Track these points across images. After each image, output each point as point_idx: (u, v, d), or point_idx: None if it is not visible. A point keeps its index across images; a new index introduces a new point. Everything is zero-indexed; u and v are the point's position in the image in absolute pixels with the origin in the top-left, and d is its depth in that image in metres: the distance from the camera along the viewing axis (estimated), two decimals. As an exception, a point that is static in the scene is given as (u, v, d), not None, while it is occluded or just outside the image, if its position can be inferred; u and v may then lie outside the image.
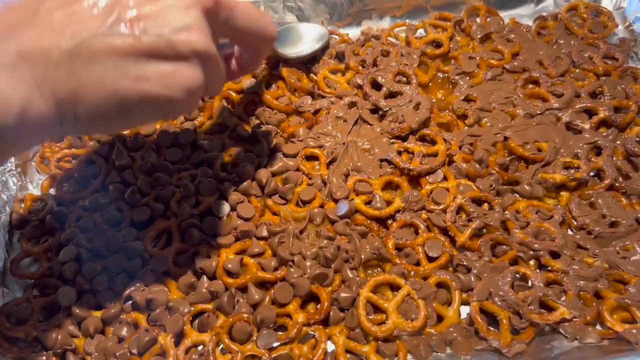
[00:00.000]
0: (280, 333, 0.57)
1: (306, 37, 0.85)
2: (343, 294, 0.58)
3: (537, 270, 0.61)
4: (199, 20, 0.47)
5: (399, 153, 0.71)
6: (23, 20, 0.42)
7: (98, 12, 0.43)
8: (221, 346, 0.57)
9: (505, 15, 0.92)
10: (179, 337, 0.58)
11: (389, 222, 0.66)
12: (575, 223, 0.66)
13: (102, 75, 0.43)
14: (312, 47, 0.84)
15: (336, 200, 0.67)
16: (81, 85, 0.43)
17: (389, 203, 0.67)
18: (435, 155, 0.71)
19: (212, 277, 0.61)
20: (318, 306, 0.59)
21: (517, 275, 0.60)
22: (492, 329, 0.57)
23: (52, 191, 0.72)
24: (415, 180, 0.70)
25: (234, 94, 0.78)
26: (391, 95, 0.78)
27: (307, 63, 0.84)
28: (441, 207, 0.66)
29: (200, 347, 0.58)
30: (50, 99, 0.43)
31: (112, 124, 0.48)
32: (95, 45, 0.43)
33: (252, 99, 0.78)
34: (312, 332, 0.58)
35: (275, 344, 0.56)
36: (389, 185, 0.70)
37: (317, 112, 0.77)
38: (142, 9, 0.44)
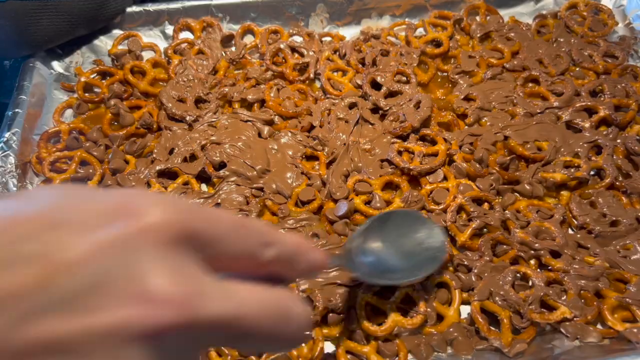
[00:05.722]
0: (280, 334, 0.57)
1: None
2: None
3: (538, 270, 0.61)
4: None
5: (399, 153, 0.71)
6: None
7: None
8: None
9: (505, 13, 0.92)
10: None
11: (389, 222, 0.66)
12: (575, 222, 0.66)
13: None
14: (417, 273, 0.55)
15: (336, 201, 0.66)
16: None
17: (388, 203, 0.66)
18: (435, 155, 0.70)
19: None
20: (318, 306, 0.59)
21: (518, 275, 0.60)
22: (493, 328, 0.57)
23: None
24: (415, 180, 0.70)
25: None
26: (391, 94, 0.78)
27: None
28: (441, 206, 0.66)
29: (200, 348, 0.57)
30: None
31: None
32: None
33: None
34: (309, 333, 0.57)
35: (276, 345, 0.56)
36: (389, 185, 0.70)
37: None
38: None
